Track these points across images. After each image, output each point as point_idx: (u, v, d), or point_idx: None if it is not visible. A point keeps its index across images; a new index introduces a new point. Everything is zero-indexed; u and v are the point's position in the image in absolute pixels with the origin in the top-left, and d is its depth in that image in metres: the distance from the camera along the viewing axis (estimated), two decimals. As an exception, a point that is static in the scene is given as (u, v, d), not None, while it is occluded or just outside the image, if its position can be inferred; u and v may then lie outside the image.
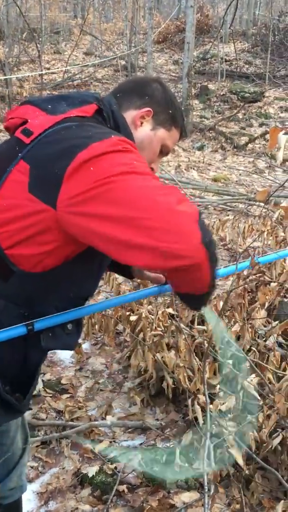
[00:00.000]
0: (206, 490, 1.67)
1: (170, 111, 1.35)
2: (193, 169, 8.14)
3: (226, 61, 15.18)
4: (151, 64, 14.29)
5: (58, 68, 14.20)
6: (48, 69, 14.07)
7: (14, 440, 1.56)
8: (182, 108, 1.46)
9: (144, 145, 1.31)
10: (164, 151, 1.38)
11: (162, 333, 2.52)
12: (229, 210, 5.61)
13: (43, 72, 12.94)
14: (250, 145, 9.76)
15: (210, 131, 10.47)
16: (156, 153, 1.35)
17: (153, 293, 1.51)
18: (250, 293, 2.90)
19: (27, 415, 2.53)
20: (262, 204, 5.02)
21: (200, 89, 13.31)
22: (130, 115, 1.32)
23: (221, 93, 13.22)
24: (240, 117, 11.75)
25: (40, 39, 14.27)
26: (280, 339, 2.59)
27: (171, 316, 2.69)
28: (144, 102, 1.33)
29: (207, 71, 15.06)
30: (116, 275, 2.83)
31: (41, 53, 12.98)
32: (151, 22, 14.08)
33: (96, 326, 2.92)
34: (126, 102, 1.33)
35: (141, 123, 1.32)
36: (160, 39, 18.38)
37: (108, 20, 21.78)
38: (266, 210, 3.93)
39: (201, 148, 9.57)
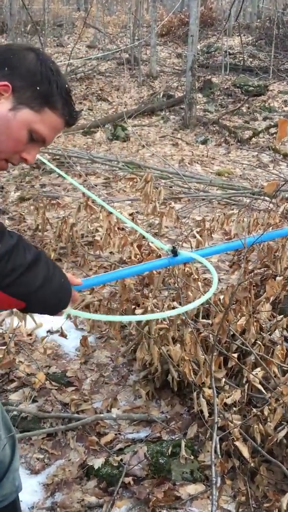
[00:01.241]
0: (214, 482, 1.68)
1: (40, 88, 1.07)
2: (197, 163, 8.11)
3: (230, 54, 15.10)
4: (155, 57, 14.23)
5: (61, 61, 14.13)
6: (51, 62, 13.99)
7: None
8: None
9: None
10: (36, 138, 1.11)
11: (167, 327, 2.53)
12: (233, 204, 5.60)
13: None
14: (254, 139, 9.72)
15: (214, 125, 10.43)
16: (20, 139, 1.09)
17: (163, 265, 1.52)
18: (255, 287, 2.91)
19: (32, 408, 2.54)
20: (267, 198, 5.00)
21: (203, 83, 13.25)
22: None
23: (225, 87, 13.16)
24: (244, 110, 11.70)
25: (43, 32, 14.19)
26: (286, 333, 2.60)
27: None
28: (3, 75, 1.06)
29: (210, 65, 14.98)
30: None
31: (44, 46, 12.93)
32: (154, 15, 14.00)
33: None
34: None
35: None
36: (164, 32, 18.29)
37: (112, 13, 21.65)
38: (273, 204, 3.92)
39: (204, 142, 9.54)
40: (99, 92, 12.79)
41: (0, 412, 1.49)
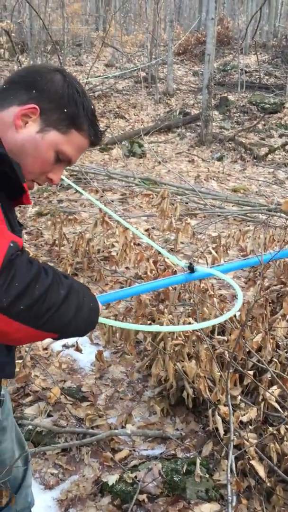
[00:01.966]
0: (229, 501, 1.66)
1: (67, 110, 1.08)
2: (213, 179, 8.14)
3: (246, 72, 15.22)
4: (171, 75, 14.42)
5: (79, 79, 14.39)
6: (70, 80, 14.26)
7: (13, 459, 1.46)
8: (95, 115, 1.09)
9: (27, 151, 1.07)
10: (62, 158, 1.12)
11: (183, 343, 2.52)
12: (249, 221, 5.60)
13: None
14: (270, 156, 9.74)
15: (230, 142, 10.48)
16: (48, 161, 1.10)
17: (180, 281, 1.51)
18: (271, 304, 2.89)
19: (47, 422, 2.55)
20: (283, 215, 4.99)
21: (220, 100, 13.37)
22: (11, 112, 1.07)
23: (241, 104, 13.24)
24: (260, 128, 11.75)
25: (62, 51, 14.50)
26: (302, 350, 2.57)
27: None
28: (30, 97, 1.07)
29: (227, 82, 15.12)
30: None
31: (63, 65, 13.18)
32: (171, 34, 14.23)
33: (117, 334, 2.93)
34: (10, 96, 1.08)
35: (25, 123, 1.07)
36: (181, 51, 18.54)
37: (129, 32, 22.04)
38: None
39: (220, 159, 9.58)
40: (117, 109, 12.98)
41: (13, 429, 1.49)
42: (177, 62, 17.44)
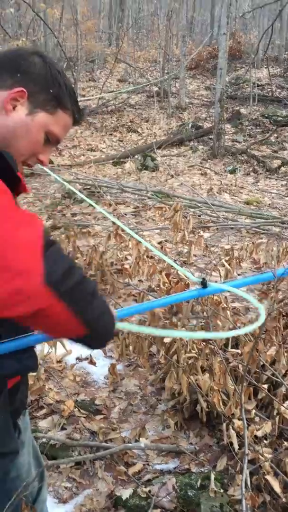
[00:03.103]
0: (244, 516, 1.64)
1: (53, 90, 1.10)
2: (226, 192, 8.15)
3: (258, 86, 15.30)
4: (184, 90, 14.54)
5: (93, 95, 14.61)
6: (84, 96, 14.51)
7: (29, 473, 1.41)
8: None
9: (19, 134, 1.09)
10: (51, 139, 1.14)
11: (196, 356, 2.52)
12: (262, 233, 5.58)
13: (79, 99, 13.33)
14: (283, 168, 9.73)
15: (242, 155, 10.50)
16: (38, 142, 1.12)
17: (192, 297, 1.51)
18: (285, 317, 2.87)
19: (61, 435, 2.55)
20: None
21: (232, 114, 13.43)
22: None
23: (253, 117, 13.29)
24: (273, 140, 11.76)
25: (76, 67, 14.74)
26: None
27: (206, 339, 2.69)
28: (16, 81, 1.08)
29: (239, 96, 15.20)
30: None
31: (77, 80, 13.40)
32: (184, 49, 14.39)
33: (130, 347, 2.94)
34: None
35: (14, 107, 1.08)
36: (193, 66, 18.71)
37: (142, 48, 22.32)
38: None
39: (233, 172, 9.60)
40: (129, 123, 13.11)
41: (31, 443, 1.47)
42: (189, 76, 17.60)
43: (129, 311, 1.38)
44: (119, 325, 1.15)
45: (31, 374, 2.82)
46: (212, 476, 2.17)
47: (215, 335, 1.28)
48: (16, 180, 1.07)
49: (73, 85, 1.19)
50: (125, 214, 6.18)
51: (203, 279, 1.34)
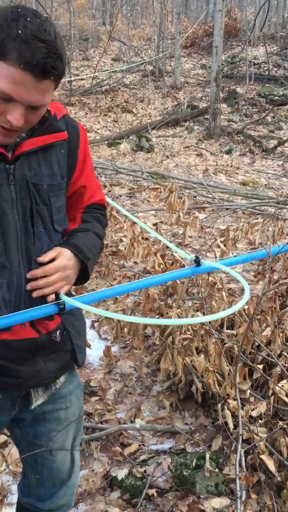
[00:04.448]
0: (239, 496, 1.65)
1: None
2: (221, 173, 8.09)
3: (254, 64, 15.09)
4: (179, 69, 14.33)
5: (86, 74, 14.37)
6: (77, 75, 14.27)
7: (64, 457, 1.44)
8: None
9: None
10: (4, 97, 1.00)
11: (191, 337, 2.51)
12: (258, 214, 5.55)
13: (72, 78, 13.13)
14: (279, 148, 9.66)
15: (238, 135, 10.40)
16: None
17: (185, 275, 1.49)
18: (281, 297, 2.87)
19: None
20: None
21: (228, 93, 13.27)
22: None
23: (249, 97, 13.14)
24: (269, 120, 11.65)
25: (69, 46, 14.48)
26: (312, 344, 2.55)
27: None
28: None
29: (235, 75, 15.00)
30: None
31: (70, 59, 13.17)
32: (179, 27, 14.14)
33: (125, 329, 2.93)
34: None
35: None
36: (188, 44, 18.41)
37: (136, 26, 21.95)
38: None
39: (229, 152, 9.52)
40: (124, 104, 12.93)
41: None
42: (184, 55, 17.33)
43: (124, 288, 1.36)
44: (110, 314, 1.13)
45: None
46: (207, 456, 2.18)
47: (199, 320, 1.25)
48: None
49: (31, 30, 0.97)
50: (120, 196, 6.12)
51: (197, 257, 1.33)
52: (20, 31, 0.96)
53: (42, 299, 1.18)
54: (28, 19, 0.98)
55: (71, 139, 1.24)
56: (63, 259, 1.19)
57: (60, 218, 1.23)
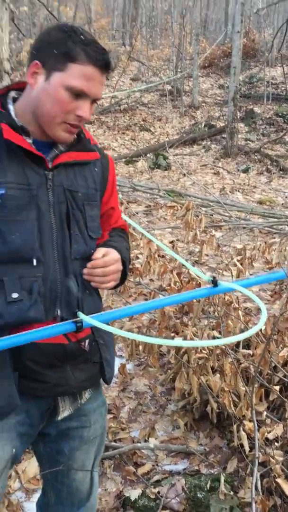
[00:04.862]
0: (254, 521, 1.61)
1: (57, 50, 1.18)
2: (238, 191, 8.10)
3: (272, 84, 15.17)
4: (197, 88, 14.48)
5: (105, 93, 14.61)
6: (96, 94, 14.46)
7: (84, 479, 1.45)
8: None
9: (42, 99, 1.19)
10: (76, 92, 1.19)
11: (207, 356, 2.49)
12: (275, 233, 5.53)
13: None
14: (296, 168, 9.64)
15: (256, 154, 10.43)
16: (63, 100, 1.18)
17: (202, 296, 1.49)
18: (298, 318, 2.83)
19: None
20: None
21: (245, 112, 13.34)
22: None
23: (267, 116, 13.18)
24: (286, 139, 11.66)
25: (89, 66, 14.71)
26: None
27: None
28: (33, 58, 1.21)
29: (252, 95, 15.09)
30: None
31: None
32: (197, 48, 14.33)
33: (140, 347, 2.92)
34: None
35: (36, 79, 1.21)
36: (206, 64, 18.60)
37: (155, 47, 22.29)
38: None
39: (246, 171, 9.54)
40: (142, 122, 13.09)
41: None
42: (202, 75, 17.51)
43: (141, 308, 1.37)
44: (115, 331, 1.15)
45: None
46: (222, 478, 2.15)
47: (216, 342, 1.24)
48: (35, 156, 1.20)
49: (87, 35, 1.21)
50: (137, 213, 6.16)
51: (214, 277, 1.33)
52: (81, 37, 1.18)
53: (71, 297, 1.24)
54: (80, 29, 1.21)
55: (103, 163, 1.38)
56: (115, 254, 1.30)
57: (94, 226, 1.32)
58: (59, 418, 1.32)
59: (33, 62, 1.20)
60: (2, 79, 3.19)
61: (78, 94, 1.19)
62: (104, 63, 1.20)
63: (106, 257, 1.27)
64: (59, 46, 1.18)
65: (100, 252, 1.28)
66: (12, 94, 1.29)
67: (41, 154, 1.22)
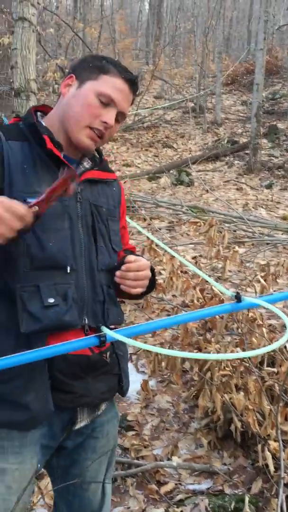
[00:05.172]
0: None
1: (92, 64, 1.31)
2: (261, 207, 8.05)
3: (295, 100, 15.11)
4: (220, 105, 14.54)
5: (129, 111, 14.78)
6: (120, 112, 14.65)
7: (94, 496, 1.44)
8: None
9: (72, 103, 1.29)
10: (106, 100, 1.28)
11: (230, 374, 2.46)
12: (299, 249, 5.47)
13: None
14: None
15: (279, 169, 10.37)
16: (91, 103, 1.27)
17: (226, 311, 1.48)
18: None
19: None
20: None
21: (268, 128, 13.30)
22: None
23: (291, 132, 13.11)
24: (311, 155, 11.56)
25: (113, 85, 14.94)
26: None
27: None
28: (69, 74, 1.34)
29: (276, 111, 15.06)
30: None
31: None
32: (220, 65, 14.43)
33: (163, 363, 2.91)
34: None
35: (68, 90, 1.32)
36: (229, 81, 18.69)
37: (178, 65, 22.54)
38: None
39: (269, 187, 9.49)
40: (165, 139, 13.18)
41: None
42: (225, 92, 17.60)
43: (164, 323, 1.37)
44: (142, 345, 1.15)
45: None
46: (247, 499, 2.11)
47: (241, 355, 1.23)
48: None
49: (117, 61, 1.36)
50: (160, 229, 6.18)
51: (237, 293, 1.32)
52: (111, 59, 1.33)
53: (97, 307, 1.29)
54: (108, 57, 1.35)
55: (118, 184, 1.49)
56: (145, 261, 1.34)
57: (117, 240, 1.39)
58: (76, 427, 1.33)
59: (68, 75, 1.32)
60: (29, 99, 3.28)
61: (106, 103, 1.28)
62: (133, 81, 1.31)
63: (139, 262, 1.31)
64: (95, 61, 1.32)
65: (132, 257, 1.32)
66: (39, 113, 1.37)
67: (74, 168, 1.26)
